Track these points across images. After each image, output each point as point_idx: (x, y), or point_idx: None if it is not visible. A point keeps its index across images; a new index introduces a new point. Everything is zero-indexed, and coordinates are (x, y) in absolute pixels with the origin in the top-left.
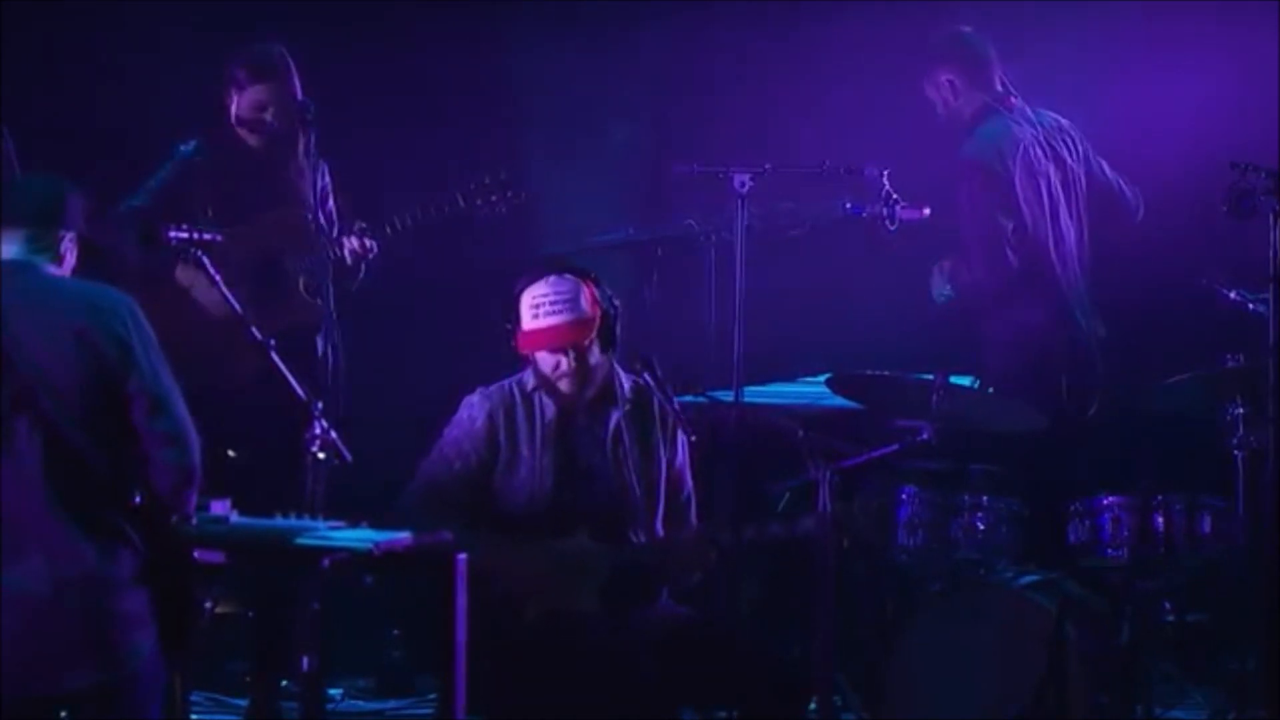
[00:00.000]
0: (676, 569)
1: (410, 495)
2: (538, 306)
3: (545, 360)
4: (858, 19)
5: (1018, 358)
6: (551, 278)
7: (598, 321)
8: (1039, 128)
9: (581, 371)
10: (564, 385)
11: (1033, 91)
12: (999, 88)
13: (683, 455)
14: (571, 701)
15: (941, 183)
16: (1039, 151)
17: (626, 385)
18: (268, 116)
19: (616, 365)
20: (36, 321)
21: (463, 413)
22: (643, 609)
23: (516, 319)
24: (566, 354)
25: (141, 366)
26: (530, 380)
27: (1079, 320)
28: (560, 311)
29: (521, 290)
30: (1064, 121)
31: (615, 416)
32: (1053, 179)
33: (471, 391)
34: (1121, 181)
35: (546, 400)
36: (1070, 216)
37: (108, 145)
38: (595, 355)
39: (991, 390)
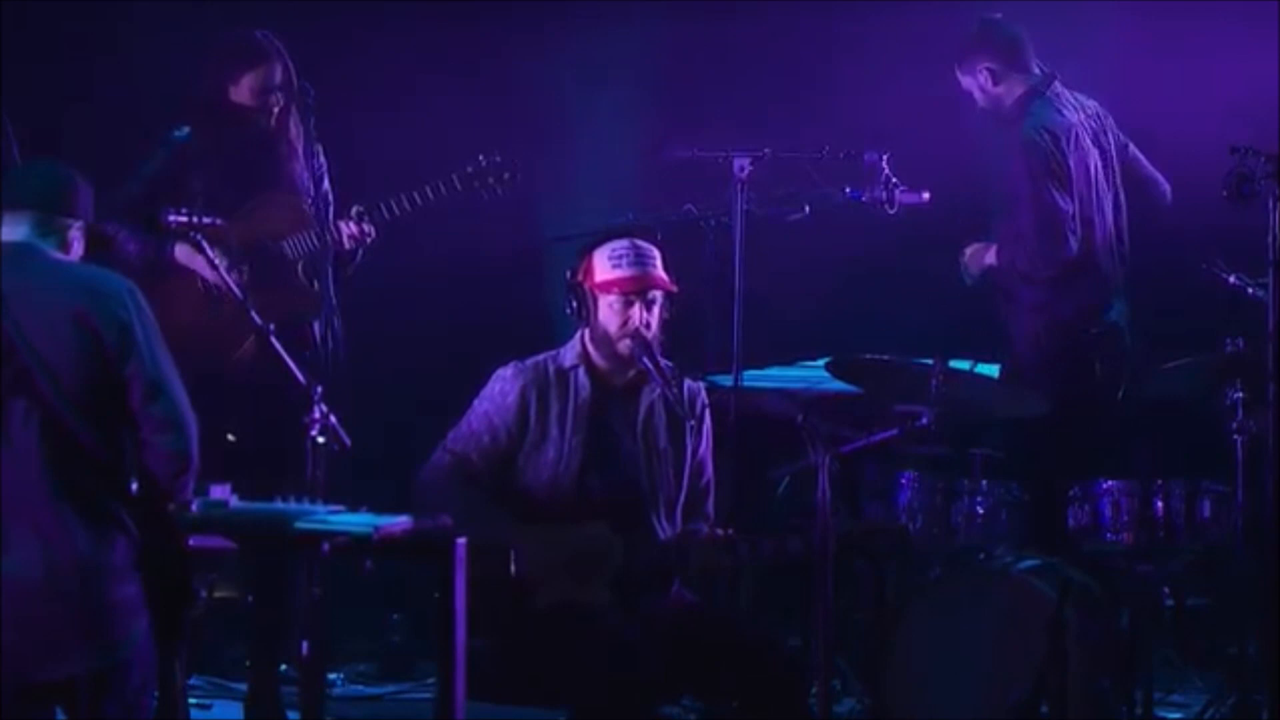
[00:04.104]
0: (691, 568)
1: (436, 467)
2: (619, 257)
3: (614, 315)
4: (859, 4)
5: (1052, 342)
6: (631, 238)
7: (670, 289)
8: (1081, 112)
9: (644, 334)
10: (623, 347)
11: None
12: (1038, 71)
13: (707, 441)
14: (575, 689)
15: (957, 169)
16: (1085, 136)
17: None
18: (273, 99)
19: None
20: (36, 304)
21: (494, 386)
22: (653, 600)
23: (588, 273)
24: (639, 307)
25: (140, 351)
26: (568, 358)
27: (1114, 306)
28: (642, 264)
29: (596, 246)
30: (1099, 106)
31: (648, 400)
32: (1095, 164)
33: (503, 365)
34: (1150, 166)
35: (583, 380)
36: (1109, 203)
37: (103, 131)
38: (657, 322)
39: (1005, 376)
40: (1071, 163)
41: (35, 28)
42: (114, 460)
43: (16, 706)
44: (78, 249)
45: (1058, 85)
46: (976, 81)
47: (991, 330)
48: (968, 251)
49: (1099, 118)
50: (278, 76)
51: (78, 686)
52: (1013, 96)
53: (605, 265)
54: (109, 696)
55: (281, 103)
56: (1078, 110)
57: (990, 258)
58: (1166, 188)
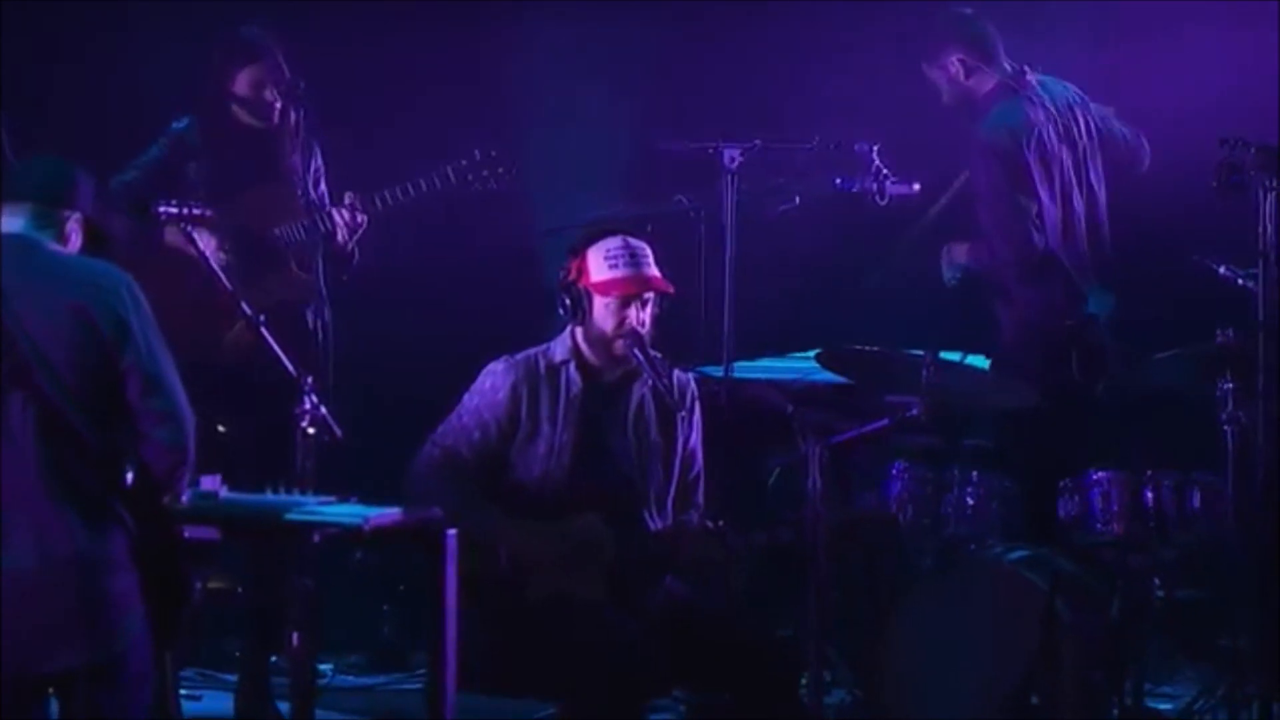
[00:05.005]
0: (683, 560)
1: (426, 460)
2: (615, 257)
3: (610, 315)
4: None
5: (1029, 338)
6: (623, 235)
7: (668, 290)
8: (1052, 107)
9: (639, 332)
10: (618, 347)
11: (1025, 63)
12: (1008, 66)
13: (697, 433)
14: (567, 681)
15: (946, 160)
16: (1051, 133)
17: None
18: (268, 95)
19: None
20: (34, 296)
21: (484, 381)
22: (645, 592)
23: (582, 273)
24: (635, 307)
25: (137, 344)
26: (559, 353)
27: (1090, 299)
28: (638, 264)
29: (589, 245)
30: (1073, 92)
31: (638, 394)
32: (1065, 161)
33: (493, 360)
34: (1126, 132)
35: (574, 375)
36: (1081, 198)
37: (102, 124)
38: (651, 320)
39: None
40: (1032, 161)
41: (32, 24)
42: (110, 453)
43: (12, 699)
44: (76, 241)
45: (1030, 78)
46: (946, 74)
47: (982, 322)
48: (948, 250)
49: (1071, 108)
50: (273, 72)
51: (74, 679)
52: (983, 90)
53: (601, 266)
54: (105, 689)
55: (279, 99)
56: (1047, 106)
57: (963, 254)
58: (1138, 151)
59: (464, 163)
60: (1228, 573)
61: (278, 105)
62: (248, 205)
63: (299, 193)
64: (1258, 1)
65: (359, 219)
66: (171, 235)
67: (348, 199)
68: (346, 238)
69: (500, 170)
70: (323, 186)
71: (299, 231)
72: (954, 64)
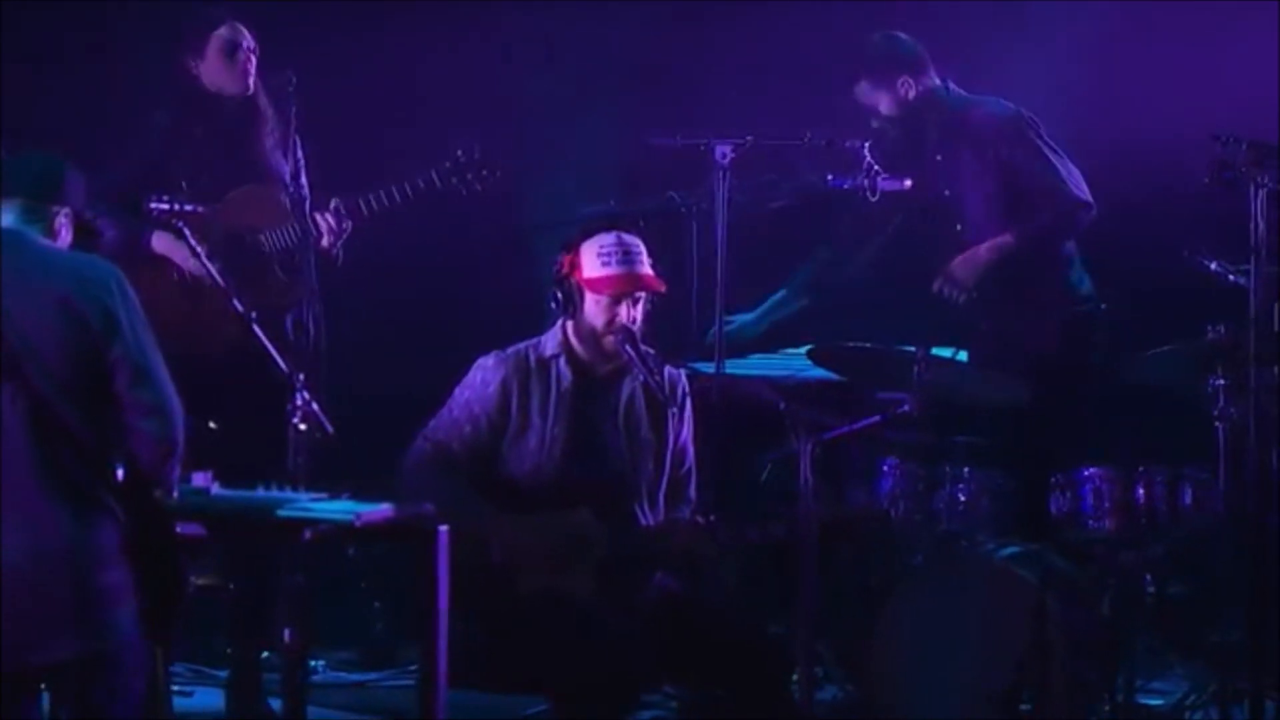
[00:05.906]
0: (674, 555)
1: (417, 455)
2: (608, 254)
3: (601, 311)
4: None
5: (1080, 320)
6: (617, 232)
7: (659, 289)
8: None
9: (631, 330)
10: (609, 343)
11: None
12: (938, 80)
13: (688, 428)
14: (558, 677)
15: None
16: None
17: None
18: (242, 55)
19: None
20: (23, 289)
21: (475, 375)
22: (636, 587)
23: (575, 268)
24: (626, 304)
25: (125, 336)
26: (550, 346)
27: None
28: (630, 262)
29: (582, 241)
30: None
31: (629, 388)
32: None
33: (484, 354)
34: None
35: (564, 369)
36: None
37: (91, 121)
38: (642, 316)
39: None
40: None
41: (25, 22)
42: (101, 445)
43: (5, 692)
44: (66, 236)
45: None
46: (896, 95)
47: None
48: (960, 265)
49: None
50: (237, 33)
51: (66, 672)
52: (931, 105)
53: (594, 262)
54: (96, 682)
55: (254, 61)
56: None
57: (1007, 239)
58: None
59: (448, 165)
60: (1219, 569)
61: (252, 63)
62: (233, 207)
63: (288, 191)
64: (1257, 1)
65: (344, 225)
66: (159, 242)
67: (333, 204)
68: (332, 243)
69: (484, 172)
70: (303, 179)
71: (287, 237)
72: (904, 84)
